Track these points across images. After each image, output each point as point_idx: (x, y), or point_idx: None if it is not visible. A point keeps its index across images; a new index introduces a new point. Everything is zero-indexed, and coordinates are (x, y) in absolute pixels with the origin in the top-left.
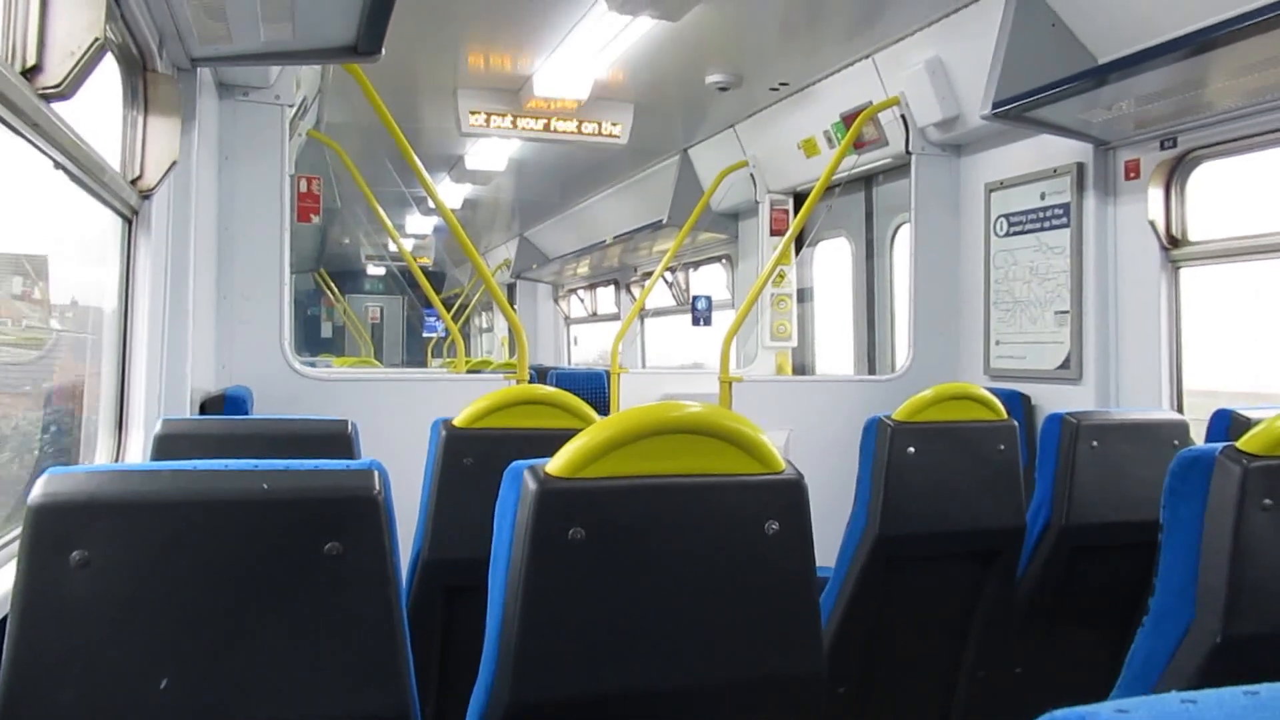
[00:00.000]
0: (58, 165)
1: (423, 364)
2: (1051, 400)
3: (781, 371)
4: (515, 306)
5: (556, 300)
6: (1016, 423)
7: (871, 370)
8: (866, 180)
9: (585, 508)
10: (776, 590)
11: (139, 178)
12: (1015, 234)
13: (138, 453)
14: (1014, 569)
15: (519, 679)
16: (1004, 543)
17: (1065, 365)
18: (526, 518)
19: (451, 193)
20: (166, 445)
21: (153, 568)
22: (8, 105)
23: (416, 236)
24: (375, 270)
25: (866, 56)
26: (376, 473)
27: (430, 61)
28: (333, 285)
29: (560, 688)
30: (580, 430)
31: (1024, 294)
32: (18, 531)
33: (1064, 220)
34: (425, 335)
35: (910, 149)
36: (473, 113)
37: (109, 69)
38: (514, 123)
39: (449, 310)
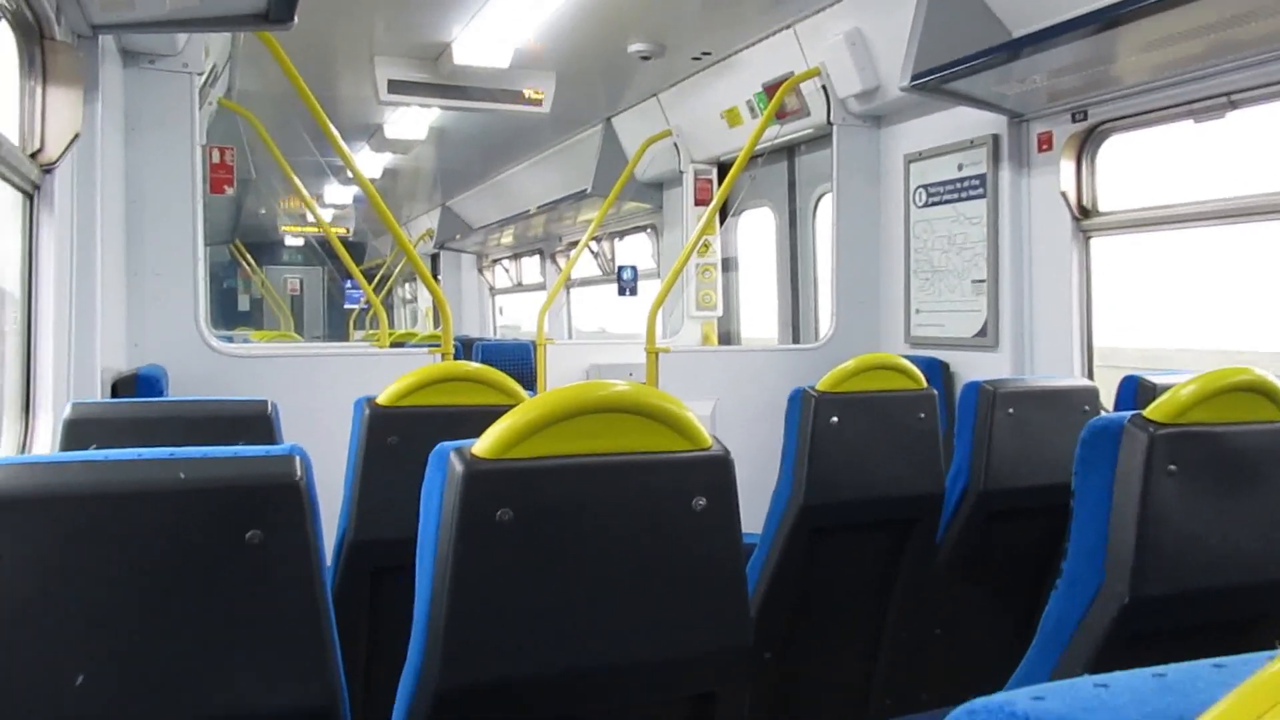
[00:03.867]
0: None
1: (344, 336)
2: (969, 367)
3: (707, 341)
4: (439, 277)
5: (481, 270)
6: (936, 391)
7: (796, 339)
8: (789, 150)
9: (513, 489)
10: (704, 566)
11: (39, 151)
12: (934, 204)
13: (46, 437)
14: (933, 534)
15: (448, 662)
16: (924, 509)
17: (982, 333)
18: (454, 500)
19: (371, 162)
20: (76, 430)
21: (65, 563)
22: None
23: (336, 207)
24: (294, 241)
25: (788, 26)
26: (298, 458)
27: (346, 28)
28: (249, 257)
29: (490, 670)
30: (507, 407)
31: (942, 263)
32: None
33: (980, 191)
34: (347, 307)
35: (831, 120)
36: (391, 80)
37: (4, 37)
38: (434, 91)
39: (371, 281)
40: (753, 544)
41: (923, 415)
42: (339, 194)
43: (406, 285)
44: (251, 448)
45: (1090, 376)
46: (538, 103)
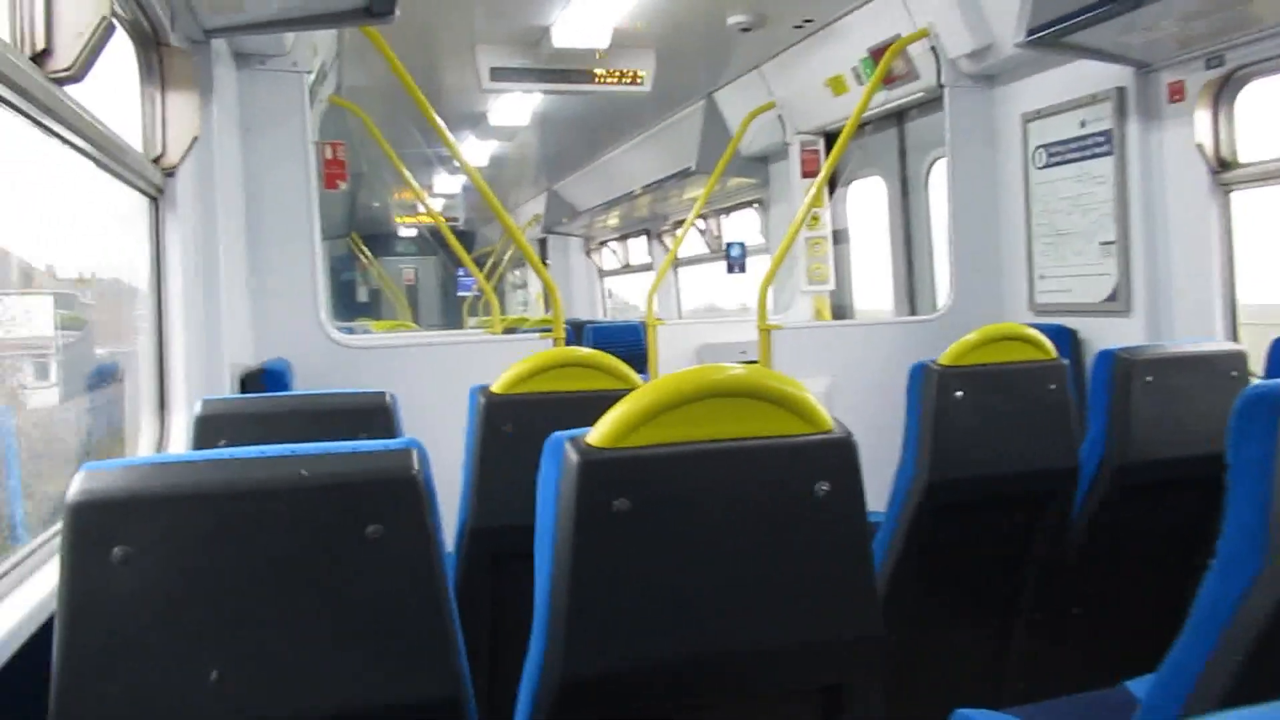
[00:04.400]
0: (78, 150)
1: (459, 324)
2: (1100, 334)
3: (820, 316)
4: (547, 261)
5: (588, 253)
6: (1067, 361)
7: (913, 311)
8: (898, 116)
9: (629, 478)
10: (829, 553)
11: (161, 155)
12: (1055, 164)
13: (181, 433)
14: (1068, 510)
15: (570, 653)
16: (1057, 484)
17: (1113, 298)
18: (569, 490)
19: (477, 150)
20: (206, 426)
21: (195, 560)
22: (19, 92)
23: (445, 196)
24: (407, 232)
25: None
26: (415, 451)
27: (446, 17)
28: (365, 249)
29: (613, 660)
30: (620, 391)
31: (1066, 226)
32: (57, 528)
33: (1106, 148)
34: (460, 294)
35: (942, 82)
36: (493, 68)
37: (125, 47)
38: (535, 75)
39: (482, 268)
40: (875, 523)
41: (1053, 386)
42: (448, 183)
43: (517, 271)
44: (369, 442)
45: (1235, 340)
46: (638, 81)
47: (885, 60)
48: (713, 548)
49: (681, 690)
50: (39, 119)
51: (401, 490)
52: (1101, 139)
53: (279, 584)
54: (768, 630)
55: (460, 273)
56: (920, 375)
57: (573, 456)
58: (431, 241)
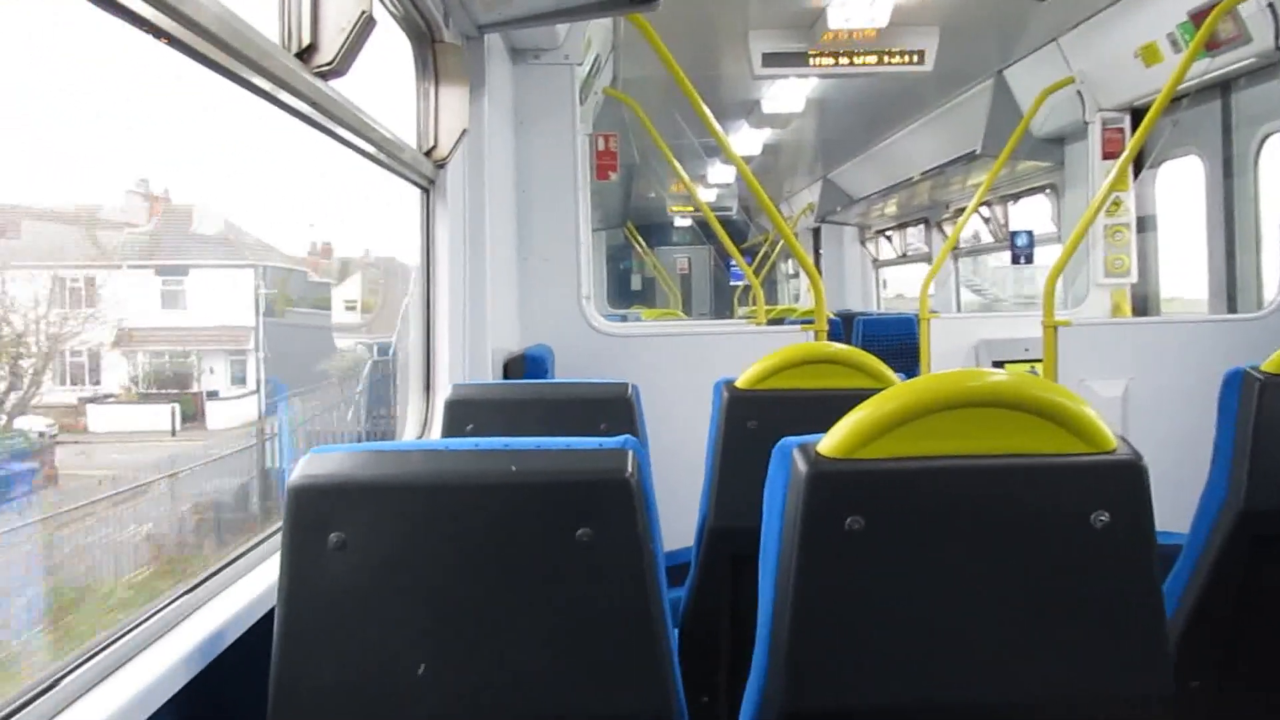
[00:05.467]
0: (346, 143)
1: (729, 313)
2: None
3: (1118, 312)
4: (821, 251)
5: (863, 242)
6: None
7: (1232, 308)
8: (1223, 86)
9: (865, 493)
10: (1107, 595)
11: (433, 148)
12: None
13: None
14: None
15: (792, 686)
16: None
17: None
18: (796, 504)
19: (750, 138)
20: (455, 411)
21: (405, 550)
22: (286, 87)
23: (719, 186)
24: (682, 222)
25: None
26: (631, 453)
27: (719, 4)
28: (640, 238)
29: (840, 696)
30: (874, 391)
31: None
32: None
33: None
34: (732, 284)
35: None
36: (765, 54)
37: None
38: (810, 60)
39: (755, 258)
40: (1173, 545)
41: None
42: (722, 173)
43: (789, 261)
44: (586, 440)
45: None
46: (920, 61)
47: (1210, 22)
48: (961, 579)
49: None
50: (308, 114)
51: (614, 493)
52: None
53: (486, 580)
54: (1027, 681)
55: (731, 263)
56: (1238, 384)
57: (801, 466)
58: (698, 232)
